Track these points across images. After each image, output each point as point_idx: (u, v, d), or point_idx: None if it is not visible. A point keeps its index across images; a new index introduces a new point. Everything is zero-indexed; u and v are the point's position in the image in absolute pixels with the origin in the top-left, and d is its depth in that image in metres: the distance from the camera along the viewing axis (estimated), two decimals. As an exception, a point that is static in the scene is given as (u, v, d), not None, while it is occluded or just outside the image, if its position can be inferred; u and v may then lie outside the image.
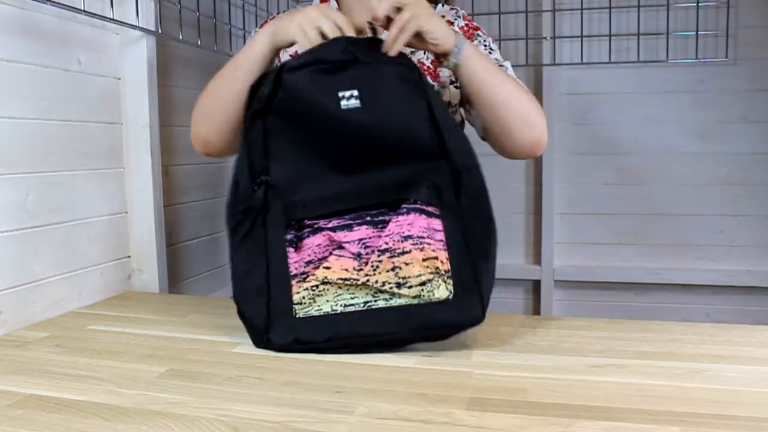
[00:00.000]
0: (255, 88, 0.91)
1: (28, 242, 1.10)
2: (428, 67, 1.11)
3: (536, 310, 2.37)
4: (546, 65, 2.24)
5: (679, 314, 2.23)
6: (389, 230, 0.87)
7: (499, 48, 1.16)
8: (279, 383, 0.78)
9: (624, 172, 2.28)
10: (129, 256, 1.37)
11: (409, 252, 0.86)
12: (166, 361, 0.87)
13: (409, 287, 0.86)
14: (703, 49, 2.14)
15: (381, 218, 0.88)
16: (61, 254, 1.17)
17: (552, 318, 1.29)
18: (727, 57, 2.11)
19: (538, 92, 2.28)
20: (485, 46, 1.12)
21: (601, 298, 2.34)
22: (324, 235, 0.88)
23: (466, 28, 1.13)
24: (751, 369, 0.81)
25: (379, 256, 0.86)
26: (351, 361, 0.85)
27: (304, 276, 0.88)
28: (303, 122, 0.90)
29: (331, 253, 0.88)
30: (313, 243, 0.88)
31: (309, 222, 0.89)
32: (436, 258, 0.86)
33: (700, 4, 2.11)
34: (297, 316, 0.88)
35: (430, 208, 0.88)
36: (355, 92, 0.88)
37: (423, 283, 0.86)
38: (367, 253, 0.87)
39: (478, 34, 1.14)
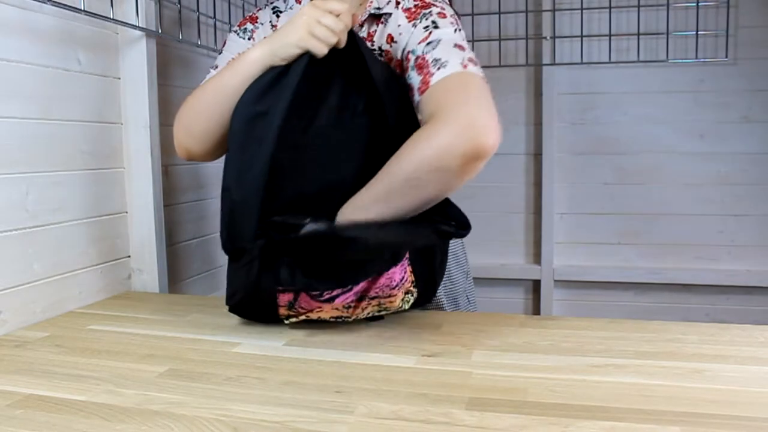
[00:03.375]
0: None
1: (28, 242, 1.10)
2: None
3: (536, 310, 2.37)
4: (546, 65, 2.24)
5: (679, 314, 2.23)
6: (380, 283, 0.92)
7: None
8: (279, 383, 0.78)
9: (624, 172, 2.28)
10: (129, 256, 1.37)
11: (395, 295, 0.94)
12: (166, 361, 0.87)
13: (387, 311, 0.97)
14: (703, 49, 2.14)
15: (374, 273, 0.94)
16: (61, 254, 1.17)
17: (552, 318, 1.29)
18: (727, 57, 2.11)
19: (537, 92, 2.28)
20: (429, 24, 0.95)
21: (601, 298, 2.34)
22: (316, 301, 0.93)
23: (413, 9, 1.00)
24: (751, 369, 0.81)
25: (369, 301, 0.93)
26: (351, 361, 0.85)
27: (296, 313, 0.93)
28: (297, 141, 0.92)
29: (323, 306, 0.93)
30: (304, 299, 0.92)
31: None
32: (409, 281, 0.96)
33: (700, 4, 2.11)
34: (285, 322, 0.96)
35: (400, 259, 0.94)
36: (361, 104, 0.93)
37: (400, 307, 0.96)
38: (355, 302, 0.93)
39: (423, 14, 0.97)
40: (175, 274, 1.59)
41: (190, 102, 1.00)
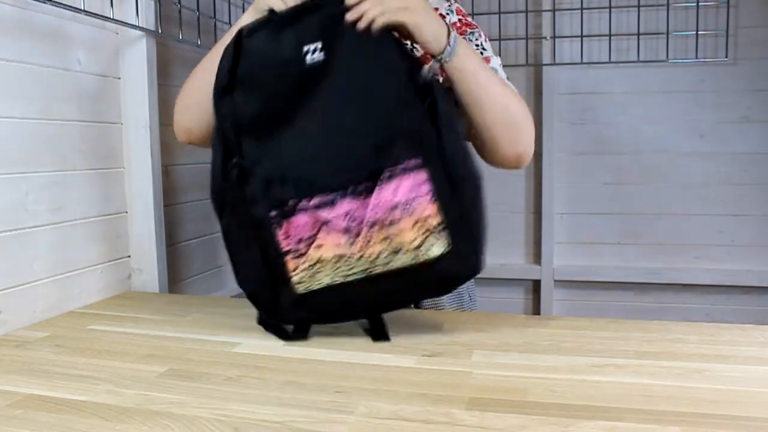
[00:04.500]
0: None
1: (27, 242, 1.10)
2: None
3: (536, 310, 2.37)
4: (546, 65, 2.24)
5: (679, 314, 2.23)
6: (374, 201, 0.84)
7: (499, 53, 1.14)
8: (279, 383, 0.78)
9: (624, 172, 2.28)
10: (129, 256, 1.37)
11: (400, 219, 0.84)
12: (166, 361, 0.87)
13: (405, 252, 0.85)
14: (703, 49, 2.14)
15: (363, 186, 0.85)
16: (61, 254, 1.17)
17: (552, 318, 1.29)
18: (727, 57, 2.11)
19: (538, 92, 2.28)
20: (477, 45, 1.08)
21: (601, 298, 2.34)
22: (308, 215, 0.86)
23: (459, 24, 1.09)
24: (751, 369, 0.81)
25: (369, 229, 0.85)
26: (351, 361, 0.85)
27: (298, 253, 0.87)
28: (270, 87, 0.87)
29: (319, 230, 0.86)
30: (300, 222, 0.87)
31: (291, 203, 0.86)
32: (427, 216, 0.85)
33: (700, 4, 2.11)
34: (299, 293, 0.89)
35: (412, 162, 0.85)
36: (318, 44, 0.85)
37: (418, 247, 0.85)
38: (355, 226, 0.85)
39: (471, 32, 1.09)
40: (175, 274, 1.59)
41: (188, 81, 1.01)
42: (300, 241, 0.87)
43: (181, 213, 1.63)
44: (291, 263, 0.88)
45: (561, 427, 0.65)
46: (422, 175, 0.85)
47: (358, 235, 0.85)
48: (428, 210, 0.85)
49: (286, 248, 0.87)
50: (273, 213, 0.87)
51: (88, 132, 1.25)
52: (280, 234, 0.87)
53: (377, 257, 0.86)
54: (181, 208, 1.63)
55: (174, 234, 1.59)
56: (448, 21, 1.07)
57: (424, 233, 0.85)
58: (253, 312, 0.97)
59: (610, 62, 2.20)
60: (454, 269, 0.88)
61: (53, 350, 0.93)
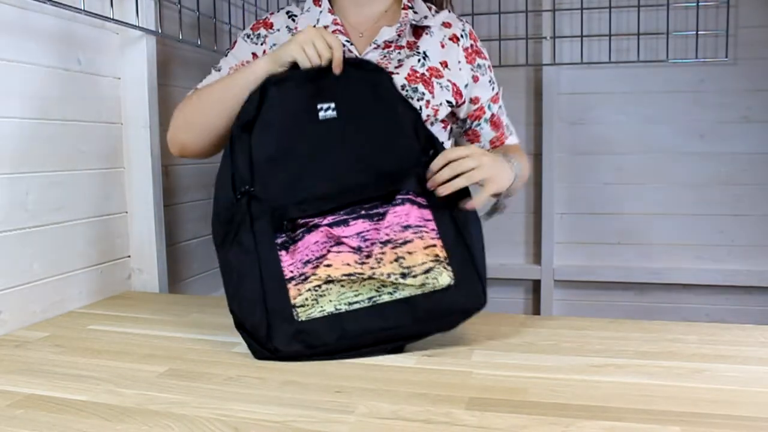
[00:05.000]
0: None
1: (28, 242, 1.10)
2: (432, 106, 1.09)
3: (536, 310, 2.37)
4: (546, 65, 2.24)
5: (679, 314, 2.23)
6: (388, 221, 0.88)
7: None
8: (279, 383, 0.78)
9: (624, 172, 2.28)
10: (129, 256, 1.37)
11: (411, 241, 0.88)
12: (166, 361, 0.87)
13: (414, 276, 0.86)
14: (703, 49, 2.14)
15: (376, 210, 0.90)
16: (61, 254, 1.17)
17: (552, 318, 1.30)
18: (727, 57, 2.11)
19: (537, 92, 2.28)
20: (490, 80, 1.17)
21: (601, 298, 2.34)
22: (321, 232, 0.88)
23: (470, 50, 1.14)
24: (751, 369, 0.81)
25: (382, 247, 0.87)
26: (351, 361, 0.85)
27: (304, 277, 0.87)
28: (286, 132, 0.93)
29: (329, 251, 0.87)
30: (310, 242, 0.88)
31: (303, 221, 0.89)
32: (434, 246, 0.88)
33: (700, 4, 2.11)
34: (299, 319, 0.86)
35: (419, 199, 0.90)
36: (332, 105, 0.93)
37: (427, 271, 0.87)
38: (367, 246, 0.87)
39: (480, 64, 1.15)
40: (175, 274, 1.59)
41: (190, 104, 1.04)
42: (307, 262, 0.88)
43: (181, 213, 1.63)
44: (293, 290, 0.87)
45: (561, 427, 0.65)
46: (428, 213, 0.91)
47: (369, 255, 0.87)
48: (436, 242, 0.89)
49: (290, 275, 0.88)
50: (280, 239, 0.89)
51: (88, 132, 1.25)
52: (285, 258, 0.88)
53: (387, 278, 0.86)
54: (181, 208, 1.63)
55: (174, 234, 1.59)
56: (461, 44, 1.12)
57: (432, 260, 0.88)
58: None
59: (610, 62, 2.20)
60: (461, 301, 0.88)
61: (53, 350, 0.93)
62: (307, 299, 0.87)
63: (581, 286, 2.33)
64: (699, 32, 2.11)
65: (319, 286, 0.87)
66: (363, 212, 0.89)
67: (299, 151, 0.92)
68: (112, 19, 1.25)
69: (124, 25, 1.29)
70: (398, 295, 0.87)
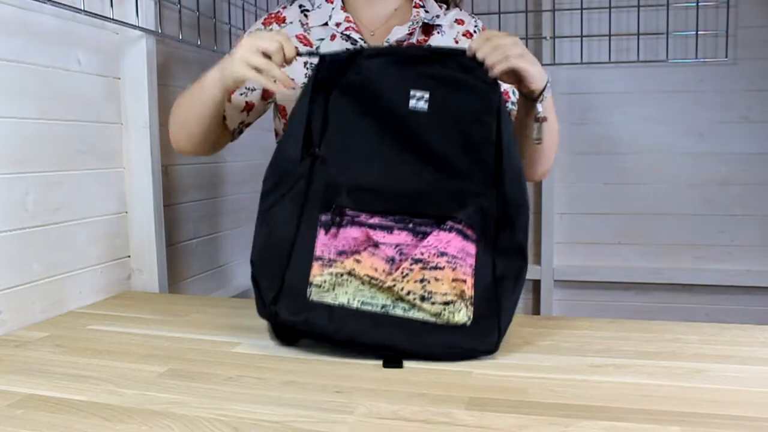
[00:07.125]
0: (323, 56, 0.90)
1: (27, 242, 1.09)
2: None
3: (536, 310, 2.37)
4: (546, 65, 2.24)
5: (679, 314, 2.23)
6: (428, 242, 0.85)
7: None
8: (279, 383, 0.78)
9: (624, 172, 2.28)
10: (129, 256, 1.37)
11: (442, 268, 0.84)
12: (166, 361, 0.87)
13: (432, 303, 0.84)
14: (703, 49, 2.14)
15: (423, 228, 0.86)
16: (60, 254, 1.17)
17: (552, 318, 1.30)
18: (727, 57, 2.11)
19: (538, 92, 2.28)
20: None
21: (601, 298, 2.34)
22: (362, 231, 0.85)
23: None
24: (751, 369, 0.81)
25: (411, 264, 0.84)
26: (351, 361, 0.85)
27: (330, 262, 0.85)
28: (368, 108, 0.89)
29: (366, 249, 0.85)
30: (350, 235, 0.86)
31: (350, 212, 0.86)
32: (464, 281, 0.85)
33: (700, 4, 2.11)
34: (310, 298, 0.85)
35: (469, 232, 0.86)
36: (426, 95, 0.87)
37: (447, 303, 0.84)
38: (400, 260, 0.85)
39: None
40: (175, 274, 1.59)
41: (176, 105, 1.10)
42: (341, 253, 0.85)
43: (181, 213, 1.63)
44: (316, 268, 0.85)
45: (561, 427, 0.65)
46: (471, 248, 0.86)
47: (398, 268, 0.84)
48: (467, 279, 0.85)
49: (320, 254, 0.86)
50: (324, 217, 0.86)
51: (88, 132, 1.25)
52: (321, 238, 0.86)
53: (406, 295, 0.84)
54: (181, 208, 1.63)
55: (174, 234, 1.59)
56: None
57: (456, 294, 0.84)
58: (253, 312, 0.97)
59: (610, 62, 2.20)
60: (471, 343, 0.86)
61: (53, 350, 0.93)
62: (325, 281, 0.85)
63: (581, 286, 2.33)
64: (699, 32, 2.12)
65: (342, 274, 0.85)
66: (411, 225, 0.86)
67: (374, 134, 0.88)
68: (112, 19, 1.25)
69: (124, 25, 1.29)
70: (411, 314, 0.85)
